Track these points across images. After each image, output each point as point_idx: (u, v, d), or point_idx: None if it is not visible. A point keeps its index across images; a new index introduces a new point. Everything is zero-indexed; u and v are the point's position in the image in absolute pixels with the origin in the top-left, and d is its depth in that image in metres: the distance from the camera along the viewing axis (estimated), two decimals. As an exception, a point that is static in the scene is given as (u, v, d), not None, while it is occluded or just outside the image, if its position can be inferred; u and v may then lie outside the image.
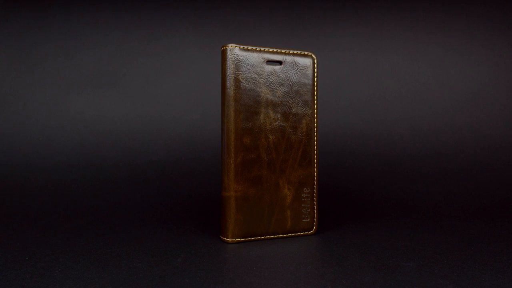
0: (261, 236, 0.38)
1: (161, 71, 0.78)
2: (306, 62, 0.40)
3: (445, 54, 0.78)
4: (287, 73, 0.39)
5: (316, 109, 0.40)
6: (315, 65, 0.40)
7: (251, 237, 0.38)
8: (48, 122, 0.75)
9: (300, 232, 0.40)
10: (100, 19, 0.80)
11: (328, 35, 0.79)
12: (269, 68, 0.38)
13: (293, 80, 0.39)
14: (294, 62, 0.39)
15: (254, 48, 0.38)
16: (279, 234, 0.39)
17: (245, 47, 0.37)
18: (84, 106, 0.76)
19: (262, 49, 0.38)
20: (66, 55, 0.78)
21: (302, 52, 0.40)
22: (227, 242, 0.37)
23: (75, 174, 0.66)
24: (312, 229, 0.40)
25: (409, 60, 0.78)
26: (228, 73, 0.37)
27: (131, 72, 0.78)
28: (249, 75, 0.37)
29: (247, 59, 0.37)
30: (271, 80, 0.38)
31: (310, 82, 0.40)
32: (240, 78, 0.37)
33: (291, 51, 0.39)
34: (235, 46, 0.37)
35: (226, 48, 0.37)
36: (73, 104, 0.76)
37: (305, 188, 0.40)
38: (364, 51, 0.78)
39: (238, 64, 0.37)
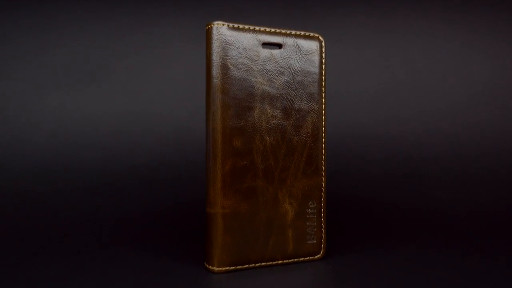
0: (255, 263, 0.32)
1: (145, 64, 0.73)
2: (311, 45, 0.33)
3: (465, 44, 0.72)
4: (288, 59, 0.32)
5: (324, 103, 0.33)
6: (323, 49, 0.33)
7: (243, 265, 0.31)
8: (18, 120, 0.68)
9: (305, 257, 0.33)
10: (78, 7, 0.74)
11: (334, 22, 0.73)
12: (265, 52, 0.31)
13: (296, 67, 0.32)
14: (297, 45, 0.32)
15: (246, 27, 0.31)
16: (278, 260, 0.32)
17: (236, 25, 0.30)
18: (58, 103, 0.70)
19: (257, 28, 0.31)
20: (39, 46, 0.72)
21: (307, 34, 0.33)
22: (212, 272, 0.31)
23: (44, 179, 0.60)
24: (319, 253, 0.33)
25: (425, 51, 0.72)
26: (213, 58, 0.30)
27: (112, 65, 0.72)
28: (240, 60, 0.30)
29: (237, 40, 0.30)
30: (268, 68, 0.31)
31: (317, 70, 0.33)
32: (229, 65, 0.30)
33: (293, 32, 0.33)
34: (223, 24, 0.30)
35: (211, 27, 0.30)
36: (47, 100, 0.70)
37: (310, 202, 0.33)
38: (374, 41, 0.72)
39: (226, 47, 0.30)
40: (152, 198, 0.55)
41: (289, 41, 0.32)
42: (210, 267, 0.31)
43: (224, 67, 0.30)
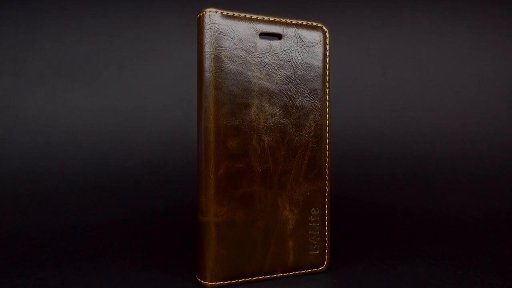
0: (252, 277, 0.29)
1: (138, 59, 0.70)
2: (314, 36, 0.30)
3: (475, 38, 0.70)
4: (289, 51, 0.30)
5: (328, 100, 0.31)
6: (327, 40, 0.31)
7: (238, 279, 0.29)
8: (3, 119, 0.66)
9: (307, 270, 0.31)
10: (68, 1, 0.71)
11: (336, 16, 0.71)
12: (263, 43, 0.29)
13: (297, 60, 0.30)
14: (298, 36, 0.30)
15: (242, 15, 0.28)
16: (277, 273, 0.30)
17: (230, 13, 0.28)
18: (45, 101, 0.68)
19: (254, 17, 0.29)
20: (27, 42, 0.70)
21: (309, 23, 0.31)
22: (204, 287, 0.28)
23: (29, 182, 0.58)
24: (323, 265, 0.31)
25: (432, 47, 0.70)
26: (205, 49, 0.28)
27: (103, 60, 0.70)
28: (235, 52, 0.28)
29: (232, 30, 0.28)
30: (266, 60, 0.29)
31: (320, 64, 0.31)
32: (223, 57, 0.28)
33: (294, 21, 0.30)
34: (216, 12, 0.28)
35: (203, 15, 0.28)
36: (33, 98, 0.68)
37: (313, 209, 0.31)
38: (379, 35, 0.70)
39: (219, 37, 0.28)
40: (143, 202, 0.53)
41: (290, 31, 0.30)
42: (202, 281, 0.28)
43: (218, 59, 0.28)
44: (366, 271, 0.31)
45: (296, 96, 0.30)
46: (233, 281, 0.29)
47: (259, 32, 0.29)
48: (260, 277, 0.29)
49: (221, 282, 0.28)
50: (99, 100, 0.69)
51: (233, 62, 0.28)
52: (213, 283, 0.28)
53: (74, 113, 0.67)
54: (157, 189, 0.57)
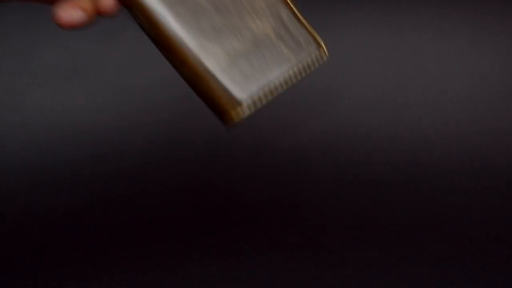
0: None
1: (139, 55, 0.70)
2: None
3: (479, 36, 0.70)
4: None
5: None
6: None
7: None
8: (1, 119, 0.66)
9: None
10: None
11: (334, 13, 0.71)
12: None
13: None
14: None
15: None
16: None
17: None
18: (43, 100, 0.68)
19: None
20: (26, 40, 0.70)
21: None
22: (238, 119, 0.24)
23: (28, 182, 0.58)
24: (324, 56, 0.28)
25: (435, 44, 0.70)
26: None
27: (102, 59, 0.70)
28: None
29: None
30: None
31: None
32: None
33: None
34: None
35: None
36: (31, 97, 0.68)
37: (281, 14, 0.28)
38: (378, 32, 0.71)
39: None
40: (142, 202, 0.53)
41: None
42: (230, 120, 0.24)
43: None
44: (366, 271, 0.32)
45: None
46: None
47: None
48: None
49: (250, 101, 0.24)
50: (98, 99, 0.69)
51: None
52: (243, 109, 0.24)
53: (74, 112, 0.68)
54: (156, 189, 0.57)
